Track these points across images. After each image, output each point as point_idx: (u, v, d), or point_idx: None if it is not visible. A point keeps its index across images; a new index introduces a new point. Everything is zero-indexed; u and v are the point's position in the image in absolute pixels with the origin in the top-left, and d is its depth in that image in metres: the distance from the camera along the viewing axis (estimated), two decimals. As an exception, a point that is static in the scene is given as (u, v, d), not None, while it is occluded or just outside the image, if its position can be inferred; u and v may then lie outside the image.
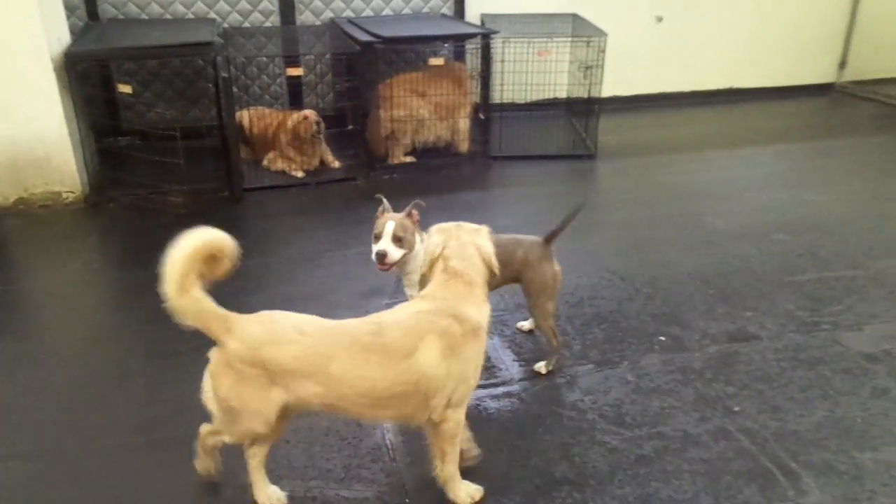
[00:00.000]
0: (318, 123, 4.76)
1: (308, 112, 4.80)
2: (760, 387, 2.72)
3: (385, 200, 2.66)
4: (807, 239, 3.93)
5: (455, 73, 5.19)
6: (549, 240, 2.75)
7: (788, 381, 2.75)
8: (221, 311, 2.09)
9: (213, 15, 5.36)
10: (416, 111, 4.99)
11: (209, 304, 2.09)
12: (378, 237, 2.60)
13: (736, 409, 2.60)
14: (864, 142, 5.67)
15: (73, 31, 4.71)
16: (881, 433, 2.46)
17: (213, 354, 2.09)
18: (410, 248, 2.60)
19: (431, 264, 2.17)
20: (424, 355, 1.93)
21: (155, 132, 4.66)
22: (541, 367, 2.80)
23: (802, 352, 2.93)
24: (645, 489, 2.23)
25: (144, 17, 5.23)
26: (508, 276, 2.65)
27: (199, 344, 2.96)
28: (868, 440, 2.43)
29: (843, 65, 7.04)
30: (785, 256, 3.74)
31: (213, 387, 2.10)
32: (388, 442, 2.44)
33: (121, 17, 5.18)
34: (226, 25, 5.38)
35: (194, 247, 2.08)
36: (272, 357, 2.01)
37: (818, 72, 7.06)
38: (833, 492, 2.21)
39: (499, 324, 3.14)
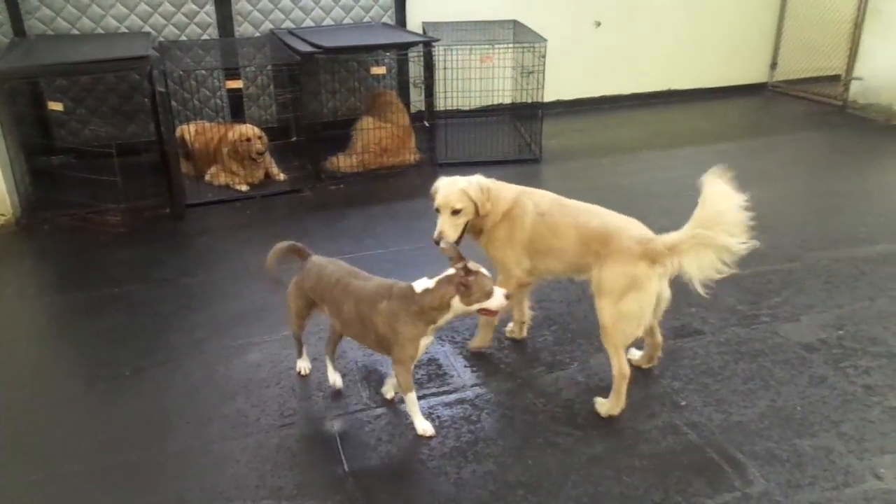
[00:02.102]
0: (259, 140, 4.69)
1: (249, 132, 4.72)
2: (705, 380, 2.79)
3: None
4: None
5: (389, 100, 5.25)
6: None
7: (732, 374, 2.82)
8: None
9: (147, 28, 5.24)
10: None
11: None
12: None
13: (683, 403, 2.66)
14: (797, 138, 5.89)
15: (-1, 48, 4.55)
16: (819, 420, 2.55)
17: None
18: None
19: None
20: None
21: (90, 150, 4.52)
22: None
23: (744, 345, 3.02)
24: (598, 488, 2.26)
25: (75, 31, 5.08)
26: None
27: (141, 366, 2.90)
28: (807, 427, 2.51)
29: (774, 65, 7.31)
30: (725, 252, 3.84)
31: None
32: (341, 456, 2.41)
33: (50, 32, 5.02)
34: (161, 39, 5.27)
35: None
36: None
37: (751, 72, 7.31)
38: (777, 479, 2.27)
39: (450, 331, 3.14)
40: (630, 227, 2.59)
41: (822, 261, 3.73)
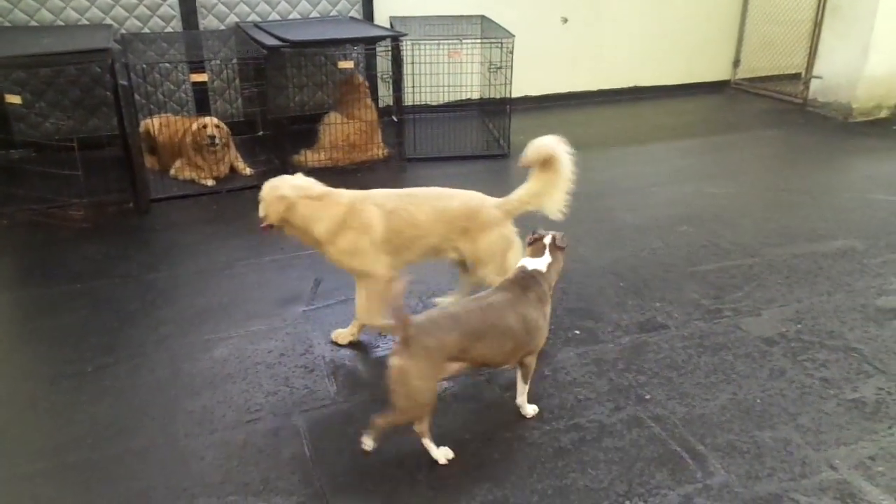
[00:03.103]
0: (217, 129, 4.63)
1: (206, 120, 4.66)
2: (669, 374, 2.84)
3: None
4: (709, 230, 4.13)
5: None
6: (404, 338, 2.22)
7: (695, 368, 2.88)
8: None
9: (108, 21, 5.14)
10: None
11: None
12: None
13: (647, 397, 2.70)
14: (759, 135, 6.01)
15: (-46, 38, 4.42)
16: (778, 412, 2.62)
17: None
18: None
19: None
20: None
21: (51, 143, 4.43)
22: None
23: (707, 338, 3.08)
24: (563, 481, 2.29)
25: (34, 23, 4.95)
26: None
27: (105, 363, 2.86)
28: (767, 419, 2.58)
29: (736, 63, 7.44)
30: (690, 248, 3.92)
31: None
32: (307, 451, 2.40)
33: (7, 24, 4.89)
34: (123, 31, 5.16)
35: None
36: None
37: (714, 70, 7.44)
38: (737, 471, 2.33)
39: (417, 326, 3.15)
40: (485, 199, 2.93)
41: (782, 256, 3.82)
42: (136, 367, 2.85)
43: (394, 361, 2.19)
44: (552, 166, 2.87)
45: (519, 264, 2.54)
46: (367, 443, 2.36)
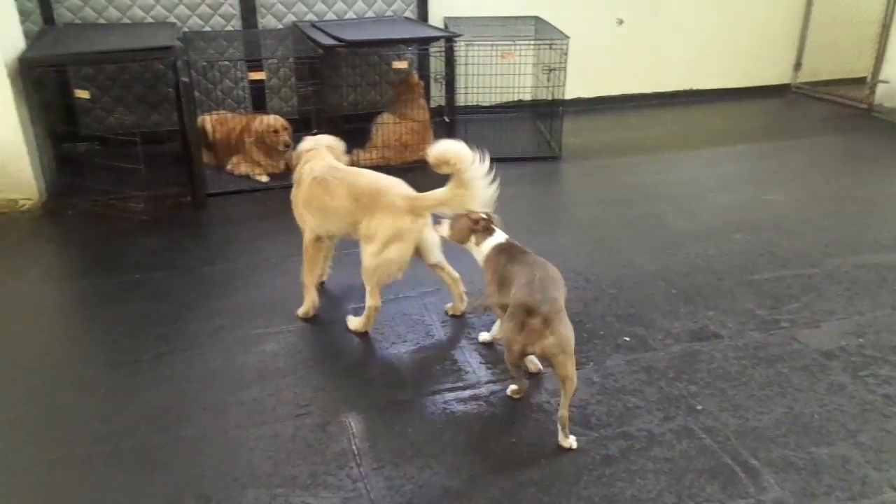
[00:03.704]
0: (286, 132, 4.72)
1: (277, 124, 4.74)
2: (722, 385, 2.77)
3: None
4: (766, 238, 4.02)
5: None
6: (534, 309, 2.35)
7: (749, 379, 2.80)
8: None
9: (172, 19, 5.28)
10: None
11: None
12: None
13: (699, 407, 2.65)
14: (819, 141, 5.82)
15: (28, 37, 4.60)
16: (837, 428, 2.53)
17: None
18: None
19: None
20: None
21: (114, 137, 4.58)
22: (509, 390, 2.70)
23: (762, 350, 3.00)
24: (610, 489, 2.26)
25: (102, 21, 5.13)
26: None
27: (161, 352, 2.94)
28: (824, 435, 2.49)
29: (797, 66, 7.22)
30: (745, 256, 3.82)
31: None
32: (354, 447, 2.43)
33: (77, 21, 5.08)
34: (186, 29, 5.30)
35: None
36: None
37: (774, 73, 7.23)
38: (792, 487, 2.26)
39: (466, 327, 3.15)
40: (397, 186, 2.96)
41: (843, 267, 3.69)
42: (191, 358, 2.92)
43: (549, 340, 2.32)
44: (459, 173, 2.78)
45: (491, 246, 2.72)
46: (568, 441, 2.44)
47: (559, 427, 2.43)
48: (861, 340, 3.05)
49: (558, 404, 2.61)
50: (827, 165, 5.34)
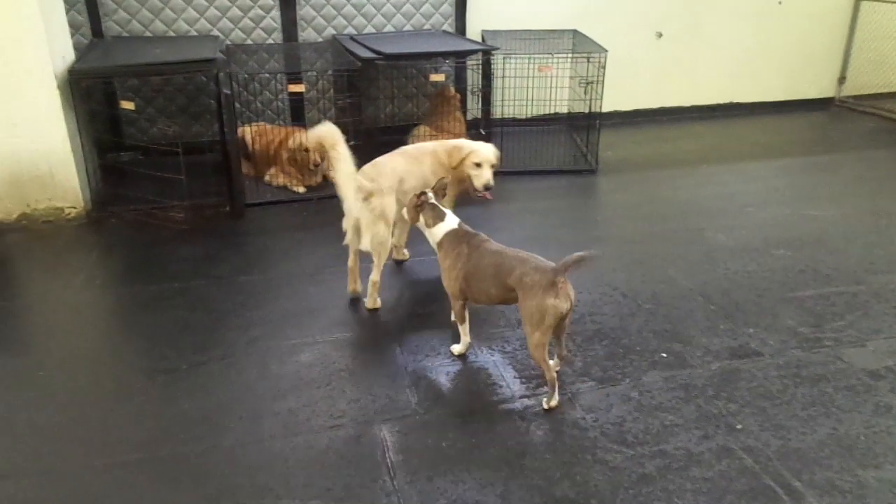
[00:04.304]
0: (317, 152, 4.78)
1: (308, 142, 4.79)
2: (763, 404, 2.71)
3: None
4: (808, 254, 3.93)
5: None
6: (558, 271, 2.55)
7: (791, 399, 2.73)
8: None
9: (215, 32, 5.40)
10: None
11: None
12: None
13: (738, 426, 2.59)
14: (864, 156, 5.68)
15: (77, 49, 4.74)
16: (884, 451, 2.45)
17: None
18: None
19: None
20: None
21: (157, 147, 4.68)
22: (544, 402, 2.71)
23: (805, 368, 2.92)
24: (647, 508, 2.22)
25: (148, 34, 5.27)
26: (501, 292, 2.74)
27: (198, 360, 2.98)
28: (871, 458, 2.42)
29: (842, 79, 7.07)
30: (786, 272, 3.74)
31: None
32: (388, 461, 2.43)
33: (125, 34, 5.22)
34: (228, 42, 5.41)
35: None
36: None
37: (818, 86, 7.09)
38: (836, 511, 2.20)
39: (500, 340, 3.13)
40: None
41: (889, 285, 3.58)
42: (227, 367, 2.95)
43: (571, 293, 2.60)
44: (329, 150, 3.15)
45: (446, 231, 2.89)
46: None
47: (556, 359, 2.82)
48: (909, 361, 2.96)
49: (594, 420, 2.59)
50: (871, 180, 5.21)
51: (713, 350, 3.06)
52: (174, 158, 4.31)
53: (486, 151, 3.56)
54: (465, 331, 3.00)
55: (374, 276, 3.35)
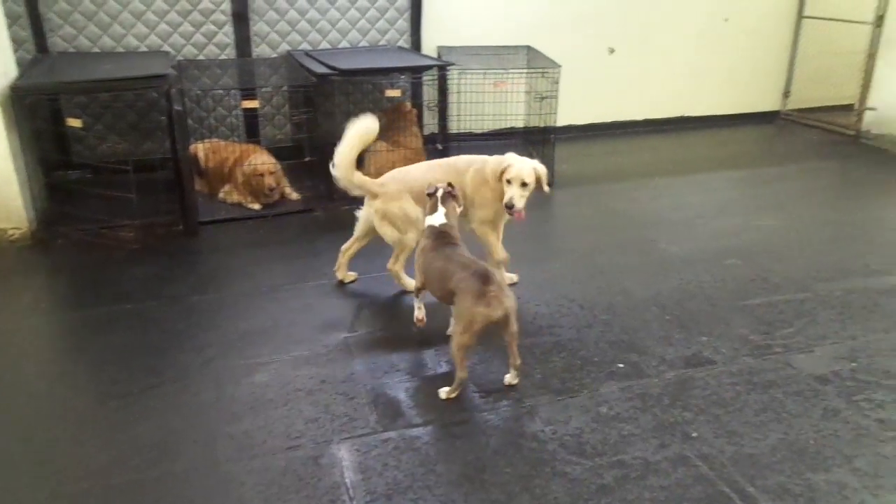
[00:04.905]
0: (272, 175, 4.74)
1: (262, 166, 4.74)
2: (717, 411, 2.76)
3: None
4: (757, 263, 4.03)
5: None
6: (487, 279, 2.67)
7: (743, 405, 2.79)
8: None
9: (167, 48, 5.32)
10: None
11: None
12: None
13: (694, 434, 2.63)
14: (809, 167, 5.87)
15: (21, 65, 4.62)
16: (832, 454, 2.51)
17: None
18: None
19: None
20: None
21: (106, 165, 4.57)
22: (442, 392, 2.82)
23: (756, 375, 2.99)
24: (606, 519, 2.23)
25: (96, 50, 5.16)
26: (446, 294, 2.88)
27: (151, 383, 2.91)
28: (820, 461, 2.48)
29: (786, 94, 7.32)
30: (737, 281, 3.83)
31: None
32: (347, 481, 2.39)
33: (71, 50, 5.10)
34: (180, 58, 5.34)
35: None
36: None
37: (764, 100, 7.32)
38: (789, 515, 2.24)
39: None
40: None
41: (834, 291, 3.70)
42: (181, 389, 2.88)
43: (508, 302, 2.68)
44: None
45: (428, 224, 3.04)
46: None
47: (511, 370, 2.87)
48: (854, 365, 3.05)
49: (553, 433, 2.60)
50: (817, 191, 5.39)
51: (668, 359, 3.11)
52: (124, 176, 4.22)
53: (517, 168, 3.33)
54: (419, 305, 3.21)
55: (389, 263, 3.61)
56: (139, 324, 3.38)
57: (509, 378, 2.89)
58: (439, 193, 3.07)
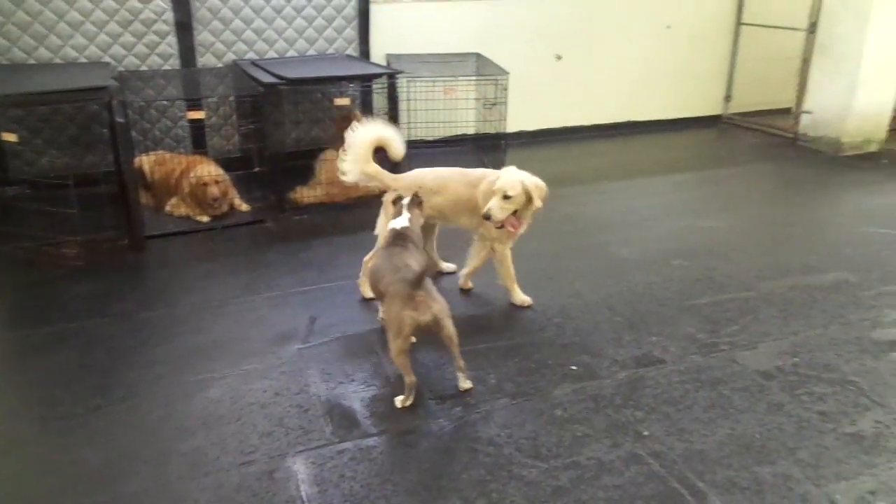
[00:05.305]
0: (217, 185, 4.66)
1: (206, 177, 4.66)
2: (667, 409, 2.82)
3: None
4: (703, 264, 4.14)
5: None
6: (414, 283, 2.70)
7: (692, 403, 2.86)
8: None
9: (107, 58, 5.19)
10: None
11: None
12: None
13: (645, 433, 2.68)
14: (750, 169, 6.07)
15: (-48, 78, 4.45)
16: (777, 447, 2.60)
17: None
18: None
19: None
20: None
21: (46, 180, 4.44)
22: (397, 401, 2.83)
23: (704, 373, 3.07)
24: (562, 521, 2.26)
25: (32, 61, 5.01)
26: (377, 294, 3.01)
27: (97, 404, 2.83)
28: (766, 455, 2.56)
29: (728, 98, 7.54)
30: (684, 282, 3.92)
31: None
32: (303, 494, 2.37)
33: (5, 62, 4.94)
34: (122, 69, 5.22)
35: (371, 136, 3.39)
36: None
37: (706, 105, 7.53)
38: (738, 508, 2.31)
39: (414, 363, 3.13)
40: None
41: (776, 289, 3.82)
42: (129, 409, 2.81)
43: (437, 306, 2.73)
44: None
45: (390, 227, 3.12)
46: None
47: (459, 375, 2.91)
48: (796, 360, 3.16)
49: (508, 436, 2.62)
50: (758, 192, 5.57)
51: (620, 360, 3.17)
52: (65, 191, 4.10)
53: (502, 180, 3.34)
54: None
55: (366, 257, 3.65)
56: (84, 343, 3.29)
57: (461, 383, 2.91)
58: (405, 201, 3.17)
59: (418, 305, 2.67)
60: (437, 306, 2.71)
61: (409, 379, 2.79)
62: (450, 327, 2.77)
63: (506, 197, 3.32)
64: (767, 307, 3.63)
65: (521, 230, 3.51)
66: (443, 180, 3.55)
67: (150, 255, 4.28)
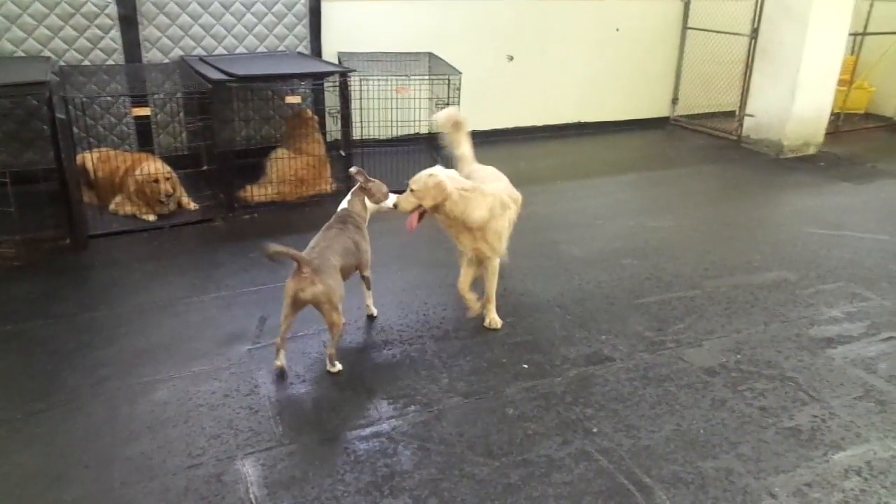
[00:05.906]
0: (168, 181, 4.56)
1: (156, 171, 4.55)
2: (616, 406, 2.87)
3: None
4: (651, 262, 4.23)
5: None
6: (304, 261, 2.86)
7: (640, 399, 2.92)
8: None
9: (47, 53, 5.02)
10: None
11: None
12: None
13: (594, 430, 2.73)
14: (696, 170, 6.22)
15: None
16: (720, 441, 2.67)
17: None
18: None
19: None
20: None
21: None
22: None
23: (651, 370, 3.14)
24: (513, 518, 2.28)
25: (-33, 54, 4.81)
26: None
27: (36, 408, 2.74)
28: (709, 449, 2.63)
29: (675, 100, 7.73)
30: (633, 280, 4.00)
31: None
32: (252, 497, 2.34)
33: (-62, 54, 4.74)
34: (62, 63, 5.05)
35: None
36: None
37: (654, 107, 7.70)
38: (682, 502, 2.36)
39: (366, 362, 3.12)
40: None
41: (721, 288, 3.94)
42: (71, 413, 2.73)
43: (317, 287, 2.84)
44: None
45: (340, 206, 3.28)
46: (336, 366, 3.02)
47: (328, 360, 3.03)
48: (738, 357, 3.26)
49: (460, 435, 2.64)
50: (703, 193, 5.71)
51: (570, 358, 3.21)
52: (2, 189, 3.95)
53: (416, 176, 3.26)
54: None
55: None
56: (23, 346, 3.17)
57: (328, 366, 3.05)
58: (354, 186, 3.35)
59: (302, 280, 2.83)
60: (317, 289, 2.84)
61: (277, 340, 3.02)
62: (330, 314, 2.89)
63: (412, 190, 3.22)
64: (712, 305, 3.74)
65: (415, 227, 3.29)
66: (493, 179, 3.73)
67: (93, 254, 4.16)
